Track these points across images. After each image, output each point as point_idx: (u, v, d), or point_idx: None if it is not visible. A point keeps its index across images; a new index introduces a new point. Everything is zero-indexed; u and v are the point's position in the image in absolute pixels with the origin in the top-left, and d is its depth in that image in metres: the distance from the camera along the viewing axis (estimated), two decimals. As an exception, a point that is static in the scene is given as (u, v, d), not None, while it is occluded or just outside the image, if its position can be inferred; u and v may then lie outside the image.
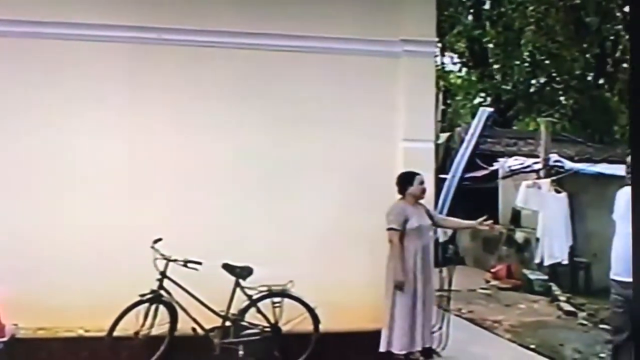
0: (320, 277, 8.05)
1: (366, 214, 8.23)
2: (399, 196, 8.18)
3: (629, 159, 7.28)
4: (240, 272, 7.71)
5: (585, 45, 20.65)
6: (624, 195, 7.51)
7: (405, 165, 8.40)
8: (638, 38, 1.98)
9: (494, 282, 15.91)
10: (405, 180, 8.20)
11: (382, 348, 8.06)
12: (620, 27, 21.20)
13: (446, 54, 30.31)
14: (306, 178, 8.49)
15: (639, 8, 2.01)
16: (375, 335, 8.03)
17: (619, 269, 7.24)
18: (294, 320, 7.78)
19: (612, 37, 21.60)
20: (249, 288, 7.74)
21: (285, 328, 7.85)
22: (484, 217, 8.88)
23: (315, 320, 7.91)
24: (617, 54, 18.30)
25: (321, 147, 8.55)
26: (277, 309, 7.84)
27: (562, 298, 14.10)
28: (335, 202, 8.46)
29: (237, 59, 8.45)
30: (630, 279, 6.99)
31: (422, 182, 8.21)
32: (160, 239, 7.60)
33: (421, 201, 8.25)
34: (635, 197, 1.97)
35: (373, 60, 8.73)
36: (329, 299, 7.82)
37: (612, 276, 7.37)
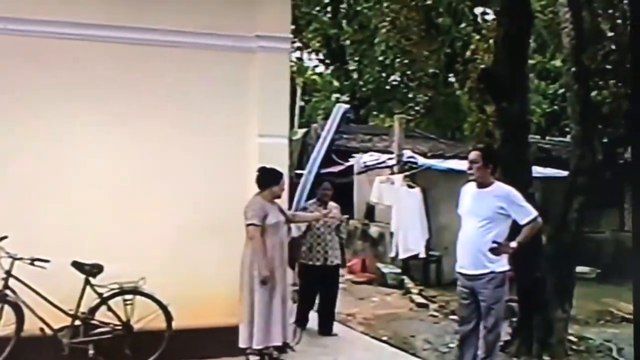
0: (174, 273, 7.96)
1: (220, 209, 8.21)
2: (256, 192, 8.25)
3: (471, 154, 7.56)
4: (90, 270, 7.50)
5: (437, 45, 21.23)
6: (464, 189, 7.82)
7: (259, 160, 8.42)
8: (638, 37, 2.05)
9: (348, 276, 16.15)
10: (272, 178, 8.28)
11: (243, 344, 8.10)
12: (470, 28, 21.97)
13: (305, 50, 30.58)
14: (159, 174, 8.34)
15: (639, 8, 2.08)
16: (230, 330, 8.04)
17: (464, 262, 7.53)
18: (146, 317, 7.67)
19: (464, 38, 22.35)
20: (100, 286, 7.55)
21: (137, 326, 7.71)
22: (328, 210, 9.32)
23: (168, 317, 7.82)
24: (468, 54, 18.94)
25: (174, 142, 8.42)
26: (129, 307, 7.69)
27: (415, 291, 14.53)
28: (188, 198, 8.37)
29: (88, 52, 8.22)
30: (474, 272, 7.33)
31: (283, 182, 8.37)
32: (5, 237, 7.30)
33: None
34: (636, 196, 2.04)
35: (228, 56, 8.68)
36: (182, 295, 7.76)
37: (457, 269, 7.67)
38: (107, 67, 8.27)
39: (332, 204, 9.92)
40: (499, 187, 7.52)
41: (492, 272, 7.35)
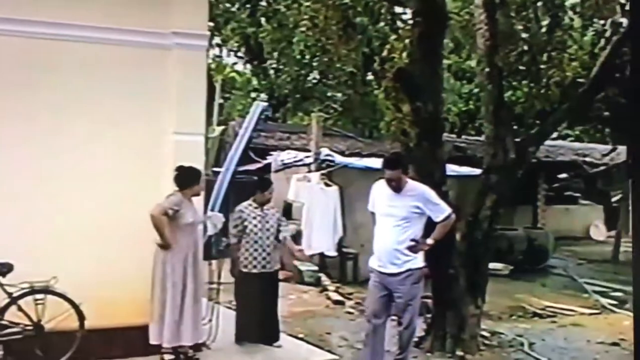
0: (86, 272, 7.84)
1: (134, 207, 8.10)
2: (171, 192, 8.21)
3: (392, 174, 7.62)
4: (0, 269, 7.37)
5: (355, 44, 21.33)
6: (377, 188, 7.91)
7: (175, 158, 8.37)
8: (638, 39, 2.07)
9: (266, 274, 16.10)
10: (192, 177, 8.25)
11: (153, 340, 8.05)
12: (388, 27, 22.12)
13: (224, 47, 30.43)
14: (72, 171, 8.20)
15: (639, 7, 2.10)
16: (143, 330, 7.99)
17: (381, 261, 7.70)
18: (57, 317, 7.54)
19: (381, 37, 22.48)
20: (9, 285, 7.42)
21: (48, 326, 7.60)
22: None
23: (81, 316, 7.71)
24: (385, 53, 19.09)
25: (88, 139, 8.30)
26: (40, 306, 7.57)
27: (331, 288, 14.60)
28: (100, 196, 8.25)
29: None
30: (393, 270, 7.42)
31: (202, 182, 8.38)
32: None
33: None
34: (635, 196, 2.06)
35: (143, 52, 8.59)
36: (95, 295, 7.66)
37: (373, 266, 7.81)
38: (14, 62, 8.08)
39: (270, 205, 9.68)
40: (414, 187, 7.70)
41: (409, 270, 7.58)
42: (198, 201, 8.58)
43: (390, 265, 7.63)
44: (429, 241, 7.61)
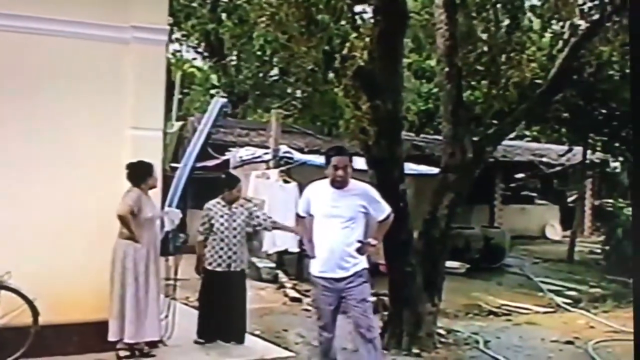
0: (41, 267, 7.76)
1: (91, 202, 8.05)
2: (130, 185, 8.17)
3: (340, 160, 7.44)
4: (-49, 264, 7.28)
5: (316, 41, 21.35)
6: (313, 190, 7.66)
7: (133, 154, 8.33)
8: (638, 38, 2.07)
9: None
10: (144, 171, 8.20)
11: (112, 337, 8.00)
12: (349, 25, 22.17)
13: (184, 42, 30.27)
14: (26, 166, 8.11)
15: (639, 8, 2.09)
16: (98, 325, 7.93)
17: (329, 267, 7.39)
18: (11, 313, 7.46)
19: (342, 35, 22.51)
20: (-39, 281, 7.32)
21: (1, 322, 7.53)
22: None
23: (35, 312, 7.63)
24: (345, 51, 19.10)
25: (45, 134, 8.21)
26: (-8, 302, 7.49)
27: (288, 285, 14.59)
28: (57, 190, 8.17)
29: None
30: (343, 274, 7.24)
31: (155, 175, 8.31)
32: None
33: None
34: (635, 196, 2.06)
35: (102, 46, 8.53)
36: (49, 290, 7.58)
37: (319, 274, 7.51)
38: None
39: (240, 201, 9.63)
40: (356, 185, 7.47)
41: (357, 272, 7.36)
42: (156, 197, 8.54)
43: (339, 270, 7.34)
44: (373, 242, 7.47)
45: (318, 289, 7.60)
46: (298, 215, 7.90)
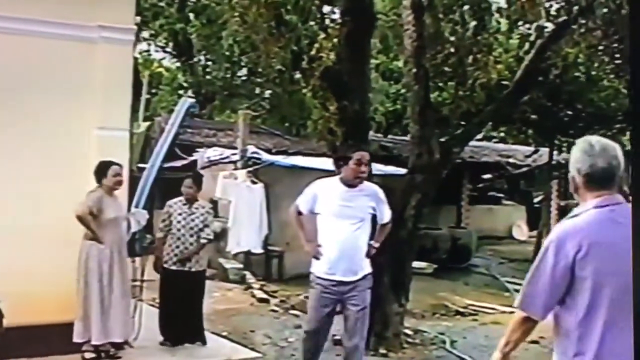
0: (6, 269, 7.66)
1: (56, 203, 7.97)
2: (96, 185, 8.13)
3: (363, 155, 7.30)
4: None
5: (284, 42, 21.35)
6: (321, 186, 7.35)
7: (99, 154, 8.27)
8: (638, 38, 2.06)
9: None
10: (100, 171, 8.14)
11: (77, 338, 7.94)
12: (317, 26, 22.21)
13: (152, 42, 30.16)
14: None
15: (639, 8, 2.08)
16: (65, 327, 7.85)
17: (340, 269, 7.07)
18: (-25, 315, 7.36)
19: (310, 36, 22.53)
20: None
21: (-36, 324, 7.41)
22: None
23: (-1, 314, 7.55)
24: (313, 52, 19.15)
25: (10, 134, 8.12)
26: (-44, 304, 7.38)
27: (256, 286, 14.57)
28: (23, 191, 8.08)
29: None
30: (353, 278, 7.04)
31: (117, 174, 8.19)
32: None
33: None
34: (635, 196, 2.05)
35: (68, 45, 8.43)
36: (14, 292, 7.46)
37: (327, 276, 7.14)
38: None
39: (201, 202, 9.51)
40: (367, 186, 7.26)
41: (365, 276, 7.18)
42: (122, 197, 8.49)
43: (350, 274, 7.05)
44: (375, 244, 7.29)
45: (316, 289, 7.19)
46: (298, 212, 7.43)
